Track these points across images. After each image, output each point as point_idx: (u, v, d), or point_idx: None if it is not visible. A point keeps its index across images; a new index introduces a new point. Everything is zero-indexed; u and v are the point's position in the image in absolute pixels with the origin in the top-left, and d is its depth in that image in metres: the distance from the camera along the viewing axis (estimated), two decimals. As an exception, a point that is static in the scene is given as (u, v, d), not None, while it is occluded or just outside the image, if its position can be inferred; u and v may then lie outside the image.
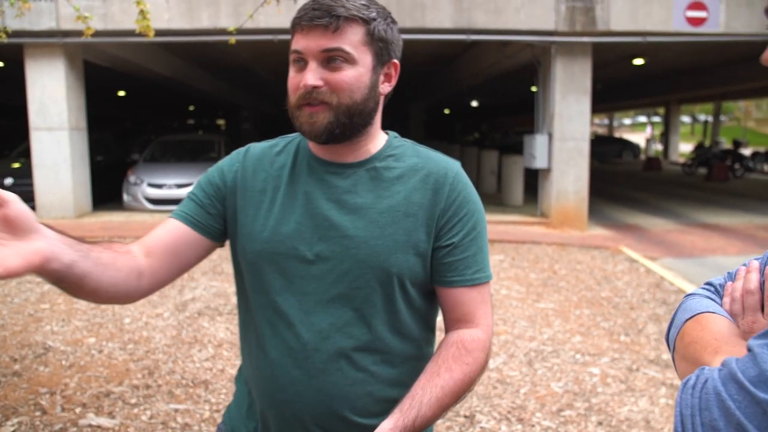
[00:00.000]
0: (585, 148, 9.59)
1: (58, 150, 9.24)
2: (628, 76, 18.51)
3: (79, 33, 8.90)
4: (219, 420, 3.05)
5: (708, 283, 0.96)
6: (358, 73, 1.07)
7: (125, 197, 10.30)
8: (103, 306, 4.90)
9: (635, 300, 5.39)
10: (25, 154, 11.21)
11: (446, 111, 35.98)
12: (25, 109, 9.32)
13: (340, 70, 1.05)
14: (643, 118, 51.14)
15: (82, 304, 4.94)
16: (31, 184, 9.87)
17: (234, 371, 3.70)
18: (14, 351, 3.97)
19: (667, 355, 4.08)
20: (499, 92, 22.43)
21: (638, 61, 13.76)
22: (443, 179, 1.13)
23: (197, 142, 12.48)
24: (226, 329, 4.39)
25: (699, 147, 22.62)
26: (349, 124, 1.08)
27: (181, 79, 14.55)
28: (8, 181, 10.30)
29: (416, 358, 1.16)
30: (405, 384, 1.10)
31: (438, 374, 1.08)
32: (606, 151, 27.84)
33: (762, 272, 0.85)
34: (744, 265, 0.90)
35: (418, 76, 18.11)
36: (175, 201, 10.12)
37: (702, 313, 0.86)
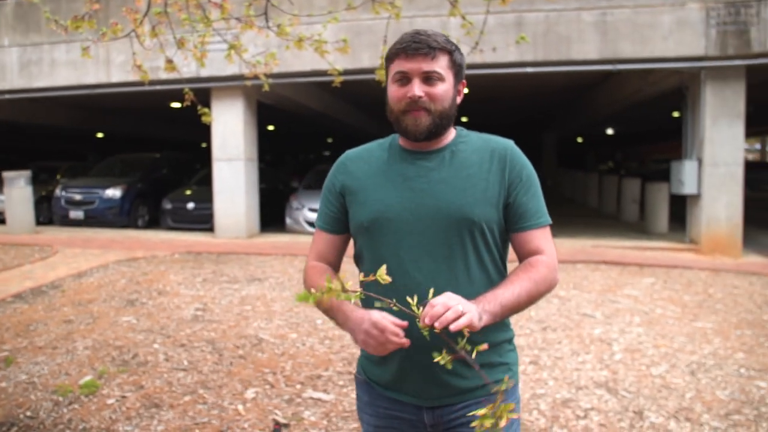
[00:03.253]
0: (738, 173, 9.37)
1: (234, 178, 10.54)
2: (784, 99, 17.42)
3: (257, 77, 10.24)
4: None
5: None
6: (447, 88, 1.46)
7: (288, 221, 11.43)
8: (296, 309, 5.70)
9: (801, 323, 5.34)
10: (200, 182, 12.81)
11: (579, 140, 35.35)
12: (198, 144, 10.67)
13: (436, 85, 1.44)
14: (800, 143, 46.80)
15: (277, 307, 5.78)
16: (208, 209, 11.29)
17: (418, 365, 4.26)
18: (235, 340, 4.81)
19: (838, 373, 4.12)
20: (637, 120, 21.87)
21: (796, 83, 13.06)
22: (504, 152, 1.51)
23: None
24: (404, 331, 4.99)
25: None
26: (440, 126, 1.48)
27: (329, 113, 15.81)
28: (190, 205, 11.82)
29: (494, 282, 1.47)
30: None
31: (509, 281, 1.42)
32: (759, 179, 25.99)
33: None
34: None
35: (553, 106, 18.25)
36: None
37: None
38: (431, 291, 1.32)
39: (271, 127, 24.12)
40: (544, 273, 1.46)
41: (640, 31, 9.00)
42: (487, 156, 1.51)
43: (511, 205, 1.49)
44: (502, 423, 1.15)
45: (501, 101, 16.04)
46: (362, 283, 1.36)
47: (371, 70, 9.84)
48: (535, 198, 1.51)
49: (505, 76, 9.78)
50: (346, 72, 10.12)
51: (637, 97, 12.58)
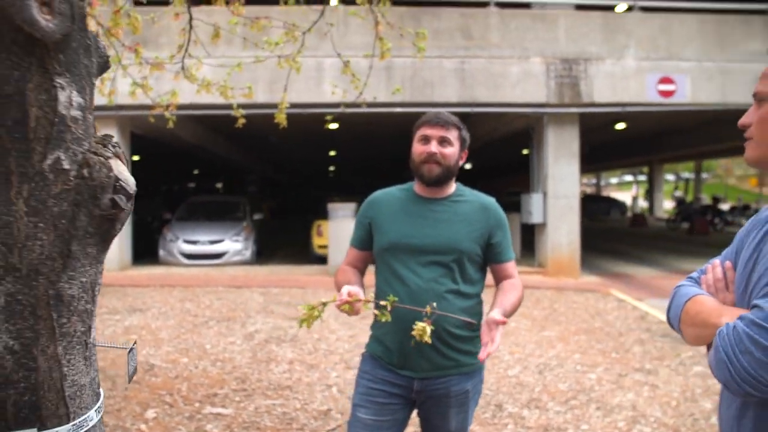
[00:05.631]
0: (576, 204, 10.77)
1: (106, 210, 10.31)
2: (612, 139, 20.00)
3: (131, 107, 10.16)
4: (309, 411, 4.03)
5: (690, 277, 1.41)
6: (454, 151, 2.11)
7: (161, 252, 11.31)
8: (184, 336, 5.87)
9: (624, 329, 6.42)
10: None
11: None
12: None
13: (447, 147, 2.10)
14: (629, 177, 53.06)
15: (164, 334, 5.91)
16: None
17: (308, 379, 4.67)
18: (126, 367, 4.91)
19: (649, 365, 5.09)
20: (493, 156, 23.84)
21: (620, 126, 15.20)
22: (488, 206, 2.16)
23: (224, 203, 13.65)
24: (292, 351, 5.37)
25: (680, 203, 24.01)
26: (447, 176, 2.11)
27: (202, 144, 15.79)
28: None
29: (476, 296, 2.13)
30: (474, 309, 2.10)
31: (505, 295, 2.05)
32: (594, 209, 29.20)
33: (722, 266, 1.35)
34: (709, 263, 1.39)
35: (418, 141, 19.49)
36: (208, 256, 11.13)
37: (697, 295, 1.31)
38: (433, 305, 1.83)
39: (136, 158, 23.30)
40: (520, 290, 2.11)
41: (493, 79, 10.18)
42: (477, 207, 2.15)
43: (492, 244, 2.13)
44: (428, 339, 1.71)
45: (375, 139, 16.93)
46: (377, 301, 1.87)
47: (248, 106, 10.17)
48: (508, 240, 2.17)
49: (377, 115, 10.54)
50: (223, 106, 10.39)
51: (492, 136, 13.96)
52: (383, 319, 1.76)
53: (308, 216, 15.72)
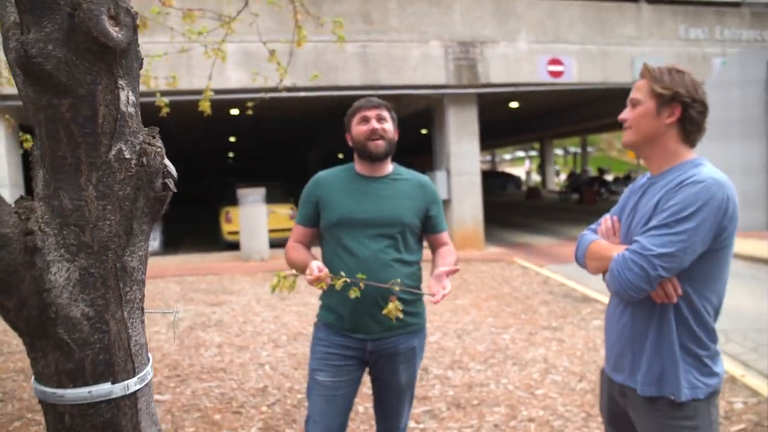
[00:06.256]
0: (477, 181, 11.36)
1: (-4, 207, 9.69)
2: (506, 117, 21.01)
3: (17, 97, 9.51)
4: (246, 390, 4.15)
5: (590, 228, 1.93)
6: (391, 127, 2.33)
7: (60, 249, 10.77)
8: (105, 330, 5.75)
9: (529, 293, 6.97)
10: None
11: (341, 156, 37.67)
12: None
13: (384, 124, 2.31)
14: (521, 153, 55.68)
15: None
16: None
17: (240, 360, 4.78)
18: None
19: (555, 323, 5.62)
20: (393, 135, 24.27)
21: (513, 104, 16.04)
22: (425, 184, 2.41)
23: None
24: (219, 335, 5.43)
25: (571, 175, 25.70)
26: (390, 151, 2.32)
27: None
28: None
29: (417, 263, 2.34)
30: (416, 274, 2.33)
31: (444, 258, 2.34)
32: (492, 185, 30.53)
33: (611, 219, 1.86)
34: (603, 218, 1.89)
35: (319, 126, 19.56)
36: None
37: (596, 239, 1.84)
38: (397, 283, 2.09)
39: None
40: (455, 253, 2.39)
41: (395, 62, 10.47)
42: (414, 184, 2.39)
43: (429, 217, 2.39)
44: (399, 315, 2.01)
45: (275, 123, 16.80)
46: (352, 279, 2.08)
47: (149, 94, 9.83)
48: (441, 213, 2.45)
49: (281, 99, 10.54)
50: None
51: (394, 117, 14.28)
52: (353, 295, 1.97)
53: (212, 203, 15.42)
